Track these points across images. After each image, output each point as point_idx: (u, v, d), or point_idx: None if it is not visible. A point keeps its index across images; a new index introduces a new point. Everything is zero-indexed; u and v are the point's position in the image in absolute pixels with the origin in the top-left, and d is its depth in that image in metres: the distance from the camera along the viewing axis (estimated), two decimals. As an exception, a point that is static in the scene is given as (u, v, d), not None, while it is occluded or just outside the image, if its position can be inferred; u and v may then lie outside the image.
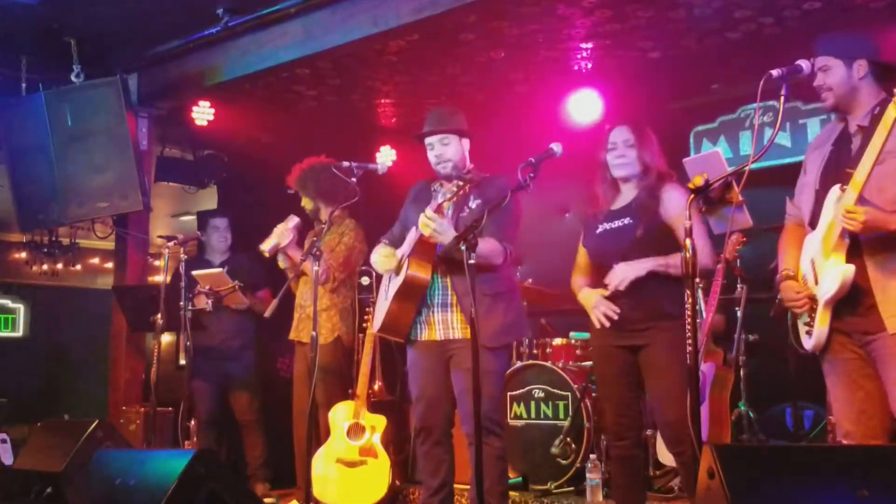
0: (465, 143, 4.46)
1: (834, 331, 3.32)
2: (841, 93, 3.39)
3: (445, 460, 4.40)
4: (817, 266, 3.33)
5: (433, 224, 4.00)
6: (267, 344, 6.53)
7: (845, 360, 3.33)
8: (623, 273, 3.86)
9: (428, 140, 4.44)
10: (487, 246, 4.01)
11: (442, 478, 4.38)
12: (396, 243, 4.49)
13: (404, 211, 4.58)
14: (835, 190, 3.26)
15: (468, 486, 4.63)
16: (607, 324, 3.90)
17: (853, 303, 3.24)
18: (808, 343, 3.40)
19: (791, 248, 3.54)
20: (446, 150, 4.39)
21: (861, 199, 3.13)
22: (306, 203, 5.80)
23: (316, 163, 5.78)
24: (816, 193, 3.43)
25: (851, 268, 3.18)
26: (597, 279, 4.09)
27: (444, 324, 4.28)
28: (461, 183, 4.02)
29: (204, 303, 5.93)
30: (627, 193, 4.10)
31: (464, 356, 4.18)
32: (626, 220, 3.99)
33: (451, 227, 4.04)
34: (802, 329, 3.44)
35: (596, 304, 3.96)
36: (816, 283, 3.33)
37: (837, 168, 3.34)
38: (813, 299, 3.35)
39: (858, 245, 3.22)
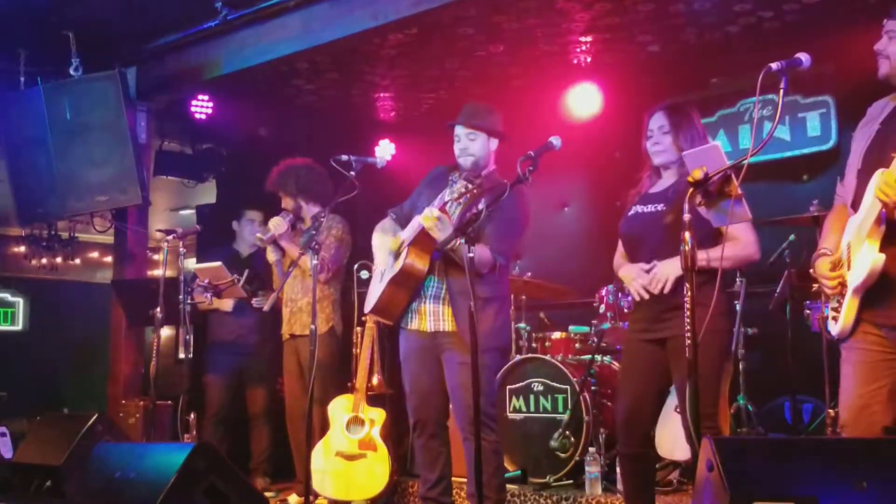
0: (494, 142, 4.43)
1: (862, 320, 3.21)
2: None
3: (442, 453, 4.41)
4: (852, 251, 3.22)
5: (432, 220, 4.01)
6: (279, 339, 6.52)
7: (867, 350, 3.22)
8: (664, 273, 3.73)
9: (456, 131, 4.42)
10: (479, 253, 3.98)
11: (439, 471, 4.40)
12: (402, 219, 4.52)
13: (418, 191, 4.59)
14: (879, 173, 3.09)
15: (464, 479, 4.64)
16: (646, 296, 3.79)
17: (886, 293, 3.13)
18: (834, 329, 3.29)
19: (833, 230, 3.40)
20: (471, 145, 4.37)
21: None
22: (287, 203, 5.81)
23: (295, 162, 5.83)
24: (859, 174, 3.29)
25: (881, 257, 3.06)
26: (631, 261, 4.00)
27: (435, 315, 4.30)
28: (470, 186, 4.02)
29: (203, 298, 5.92)
30: (667, 179, 4.00)
31: (454, 352, 4.19)
32: (660, 206, 3.88)
33: (451, 227, 4.04)
34: (830, 314, 3.34)
35: (635, 276, 3.85)
36: (849, 268, 3.23)
37: (883, 148, 3.19)
38: (845, 284, 3.23)
39: (895, 233, 3.10)
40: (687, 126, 3.95)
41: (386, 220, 4.61)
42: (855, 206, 3.27)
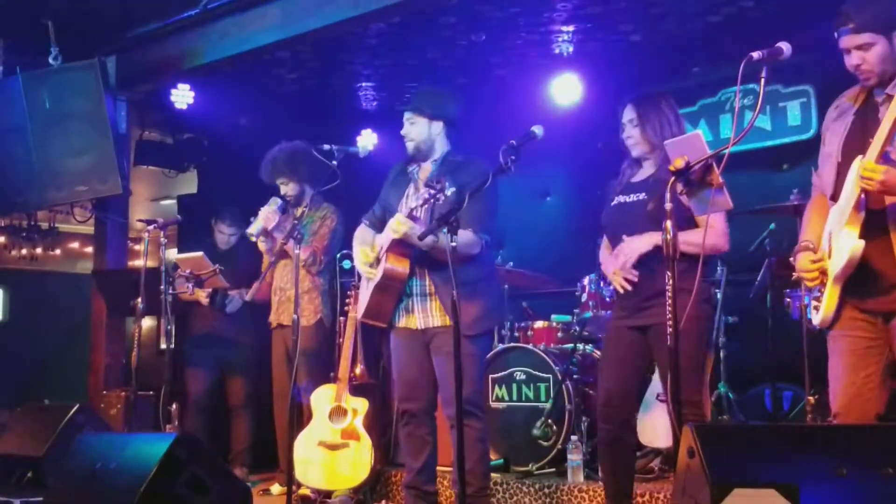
0: (437, 125, 4.40)
1: (848, 307, 3.21)
2: (883, 69, 3.18)
3: (428, 442, 4.43)
4: (833, 239, 3.21)
5: (400, 233, 4.02)
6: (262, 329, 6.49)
7: (854, 338, 3.22)
8: (630, 248, 3.81)
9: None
10: (463, 238, 3.98)
11: (424, 459, 4.41)
12: (377, 223, 4.52)
13: (384, 192, 4.59)
14: (858, 160, 3.08)
15: (450, 469, 4.65)
16: (629, 287, 3.83)
17: (875, 281, 3.12)
18: (816, 318, 3.30)
19: (814, 220, 3.40)
20: (410, 130, 4.39)
21: (883, 159, 2.98)
22: (289, 189, 5.71)
23: (297, 147, 5.72)
24: (839, 165, 3.27)
25: (861, 244, 3.05)
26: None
27: (424, 312, 4.32)
28: (433, 192, 4.04)
29: (185, 288, 5.88)
30: (648, 169, 4.05)
31: (443, 341, 4.21)
32: (641, 196, 3.93)
33: (422, 230, 4.00)
34: (812, 303, 3.35)
35: (612, 270, 3.90)
36: (830, 256, 3.22)
37: (863, 138, 3.16)
38: (825, 273, 3.23)
39: (884, 221, 3.09)
40: (655, 116, 4.00)
41: (361, 229, 4.60)
42: (836, 197, 3.26)
